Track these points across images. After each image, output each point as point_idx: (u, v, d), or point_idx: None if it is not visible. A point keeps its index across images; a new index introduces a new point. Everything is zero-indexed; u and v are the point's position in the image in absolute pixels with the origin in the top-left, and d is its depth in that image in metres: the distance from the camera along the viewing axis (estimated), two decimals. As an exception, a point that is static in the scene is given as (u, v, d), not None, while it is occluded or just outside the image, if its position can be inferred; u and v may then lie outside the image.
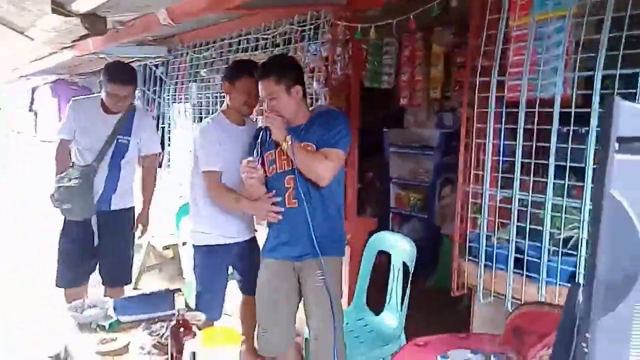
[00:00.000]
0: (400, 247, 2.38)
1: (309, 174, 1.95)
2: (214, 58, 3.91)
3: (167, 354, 1.90)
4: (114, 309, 2.35)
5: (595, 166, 1.74)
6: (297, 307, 2.15)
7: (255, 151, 1.99)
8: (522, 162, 1.97)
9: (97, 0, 2.06)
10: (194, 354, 1.67)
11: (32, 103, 7.29)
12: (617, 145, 0.75)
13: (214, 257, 2.39)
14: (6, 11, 2.69)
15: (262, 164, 2.05)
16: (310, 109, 2.21)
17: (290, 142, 1.92)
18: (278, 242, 2.08)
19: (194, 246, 2.45)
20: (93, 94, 5.82)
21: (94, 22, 2.30)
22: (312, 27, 2.96)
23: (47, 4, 2.25)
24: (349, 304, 2.57)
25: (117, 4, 2.12)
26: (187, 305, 2.57)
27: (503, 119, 2.02)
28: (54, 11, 2.25)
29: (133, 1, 2.12)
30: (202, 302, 2.39)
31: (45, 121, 6.87)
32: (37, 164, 6.93)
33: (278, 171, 2.03)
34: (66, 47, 3.92)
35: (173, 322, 1.95)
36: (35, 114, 7.22)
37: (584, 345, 0.78)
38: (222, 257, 2.41)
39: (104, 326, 2.25)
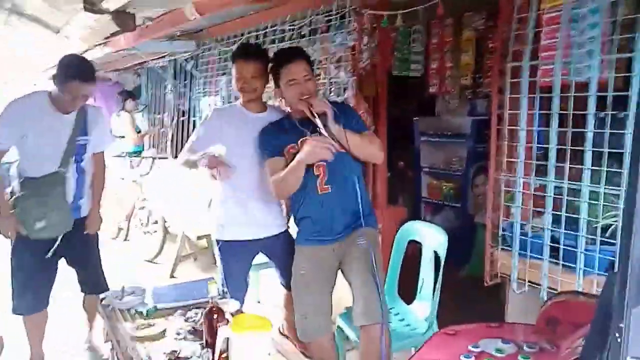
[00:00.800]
0: (431, 236, 2.35)
1: (365, 155, 2.03)
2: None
3: (202, 339, 1.95)
4: (152, 296, 2.44)
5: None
6: (333, 290, 2.17)
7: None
8: (557, 149, 1.92)
9: (127, -2, 2.11)
10: (227, 339, 1.71)
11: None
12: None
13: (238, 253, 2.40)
14: (39, 10, 2.79)
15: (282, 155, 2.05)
16: None
17: (342, 127, 1.93)
18: (314, 229, 2.10)
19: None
20: (126, 90, 6.00)
21: (123, 18, 2.36)
22: (338, 16, 2.95)
23: (79, 2, 2.33)
24: (379, 293, 2.56)
25: (145, 0, 2.17)
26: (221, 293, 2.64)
27: (537, 105, 1.96)
28: (85, 9, 2.32)
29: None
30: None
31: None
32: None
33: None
34: (99, 45, 4.05)
35: (207, 309, 2.01)
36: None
37: (617, 335, 0.77)
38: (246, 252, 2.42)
39: (141, 312, 2.34)
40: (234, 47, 3.93)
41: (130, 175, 5.05)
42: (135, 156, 5.17)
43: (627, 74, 1.69)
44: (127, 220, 5.00)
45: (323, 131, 1.90)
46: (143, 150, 5.59)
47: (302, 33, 3.19)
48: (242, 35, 3.84)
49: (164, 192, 4.83)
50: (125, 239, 5.08)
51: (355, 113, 2.12)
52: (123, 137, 5.34)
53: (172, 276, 4.05)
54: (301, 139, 1.99)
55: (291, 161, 1.99)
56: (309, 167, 2.03)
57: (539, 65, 1.94)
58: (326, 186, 2.03)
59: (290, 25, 3.29)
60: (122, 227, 5.11)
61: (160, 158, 5.16)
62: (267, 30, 3.50)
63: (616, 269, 1.69)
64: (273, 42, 3.49)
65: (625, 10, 1.71)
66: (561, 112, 1.88)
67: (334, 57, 3.03)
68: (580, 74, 1.80)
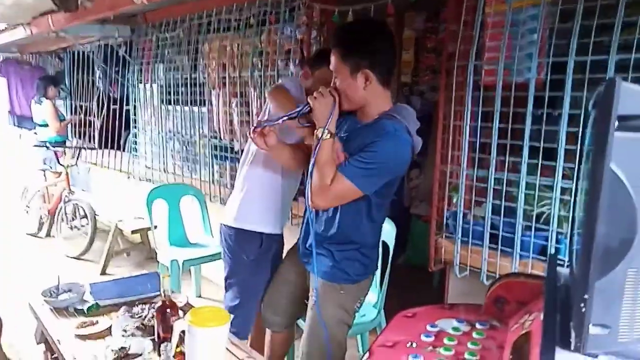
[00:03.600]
0: (379, 226, 2.45)
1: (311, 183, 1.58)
2: (182, 38, 3.82)
3: (152, 335, 1.89)
4: (91, 292, 2.31)
5: (566, 147, 1.86)
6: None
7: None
8: (497, 144, 2.07)
9: (71, -25, 1.96)
10: (183, 332, 1.67)
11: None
12: (616, 123, 0.82)
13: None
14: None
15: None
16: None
17: (327, 136, 1.51)
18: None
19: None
20: (48, 75, 5.56)
21: (64, -2, 2.19)
22: (287, 9, 2.95)
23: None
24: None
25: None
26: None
27: (480, 102, 2.11)
28: (20, -16, 2.13)
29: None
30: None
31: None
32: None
33: None
34: (21, 24, 3.71)
35: (159, 303, 1.95)
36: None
37: (582, 305, 0.86)
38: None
39: (82, 310, 2.21)
40: (173, 34, 3.80)
41: (53, 166, 4.70)
42: (58, 146, 4.81)
43: (561, 76, 1.86)
44: (50, 214, 4.65)
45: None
46: (67, 140, 5.22)
47: (250, 23, 3.15)
48: (184, 21, 3.71)
49: (93, 183, 4.56)
50: (47, 235, 4.72)
51: (373, 146, 1.53)
52: (45, 125, 4.95)
53: (103, 273, 3.84)
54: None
55: None
56: None
57: (482, 65, 2.08)
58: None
59: (236, 16, 3.23)
60: (44, 221, 4.74)
61: (87, 148, 4.85)
62: (212, 18, 3.42)
63: (549, 253, 1.89)
64: (217, 31, 3.42)
65: (560, 18, 1.88)
66: (502, 109, 2.03)
67: (282, 49, 3.02)
68: (520, 75, 1.97)
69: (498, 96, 2.04)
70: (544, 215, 1.97)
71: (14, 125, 6.12)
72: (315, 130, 1.54)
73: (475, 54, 2.10)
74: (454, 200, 2.26)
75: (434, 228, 2.34)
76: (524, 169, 1.98)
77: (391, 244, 2.36)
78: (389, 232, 2.39)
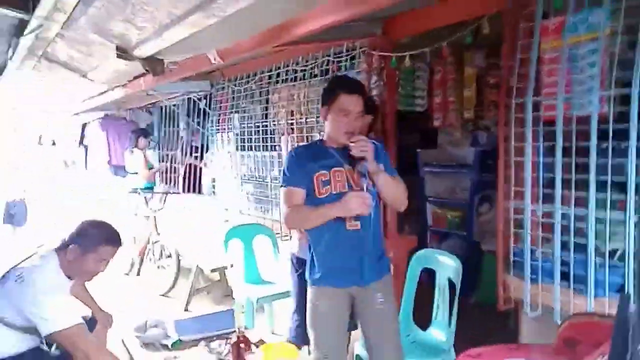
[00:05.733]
0: (445, 264, 2.45)
1: (394, 200, 2.00)
2: (254, 90, 4.14)
3: (228, 369, 2.03)
4: (175, 329, 2.51)
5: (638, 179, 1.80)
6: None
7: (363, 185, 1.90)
8: (562, 178, 2.04)
9: (158, 46, 2.28)
10: (257, 367, 1.79)
11: (82, 138, 7.76)
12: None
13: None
14: (71, 58, 2.97)
15: (303, 185, 1.96)
16: None
17: (383, 171, 1.91)
18: (332, 267, 1.99)
19: None
20: (139, 128, 6.19)
21: (153, 64, 2.52)
22: (348, 57, 3.13)
23: (111, 49, 2.50)
24: (395, 321, 2.63)
25: (175, 48, 2.34)
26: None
27: (541, 137, 2.10)
28: (118, 57, 2.49)
29: (189, 44, 2.33)
30: None
31: (95, 155, 7.29)
32: (88, 193, 7.35)
33: (333, 192, 1.92)
34: (119, 86, 4.24)
35: (234, 339, 2.09)
36: (86, 148, 7.67)
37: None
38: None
39: (166, 345, 2.41)
40: (247, 86, 4.14)
41: (143, 210, 5.17)
42: (147, 192, 5.29)
43: (625, 107, 1.82)
44: (140, 255, 5.08)
45: (364, 185, 1.86)
46: (155, 186, 5.73)
47: (314, 73, 3.37)
48: (255, 75, 4.04)
49: (177, 226, 4.93)
50: (137, 274, 5.14)
51: (388, 158, 2.05)
52: (136, 173, 5.49)
53: (186, 309, 4.10)
54: (334, 169, 1.95)
55: (318, 189, 1.93)
56: (336, 197, 1.91)
57: (541, 101, 2.09)
58: (355, 223, 1.93)
59: (302, 66, 3.47)
60: (134, 262, 5.17)
61: (172, 193, 5.28)
62: (280, 70, 3.69)
63: (626, 291, 1.79)
64: (285, 81, 3.68)
65: (620, 49, 1.86)
66: (564, 143, 2.01)
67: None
68: (581, 109, 1.95)
69: (559, 130, 2.02)
70: (619, 252, 1.88)
71: (113, 174, 6.82)
72: (375, 168, 1.90)
73: (534, 89, 2.11)
74: (521, 237, 2.23)
75: (501, 265, 2.30)
76: (592, 203, 1.93)
77: (457, 281, 2.35)
78: (454, 268, 2.38)
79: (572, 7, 1.97)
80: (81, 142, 7.76)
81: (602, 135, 1.88)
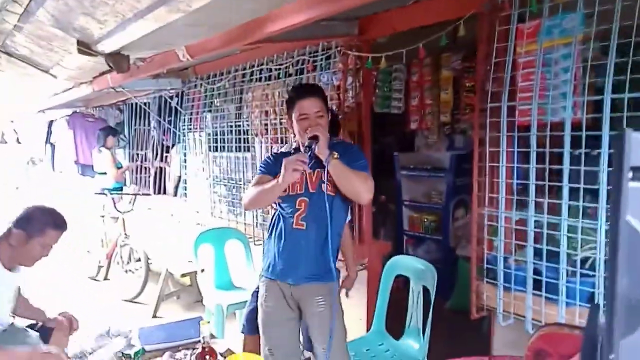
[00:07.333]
0: (419, 271, 2.41)
1: (350, 190, 1.94)
2: (228, 88, 4.04)
3: (193, 381, 1.93)
4: (139, 337, 2.40)
5: (609, 187, 1.78)
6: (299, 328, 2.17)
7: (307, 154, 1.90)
8: (535, 185, 2.01)
9: (122, 41, 2.16)
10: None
11: (48, 136, 7.49)
12: (630, 174, 0.80)
13: None
14: (31, 52, 2.82)
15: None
16: None
17: (337, 157, 1.89)
18: (275, 262, 2.07)
19: None
20: (108, 126, 6.00)
21: (118, 60, 2.40)
22: (324, 57, 3.07)
23: (73, 44, 2.37)
24: (368, 329, 2.58)
25: (141, 44, 2.23)
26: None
27: (515, 143, 2.07)
28: (79, 51, 2.36)
29: (155, 40, 2.22)
30: None
31: (62, 153, 7.05)
32: (53, 192, 7.10)
33: (290, 193, 2.02)
34: (85, 83, 4.07)
35: (199, 350, 2.00)
36: (53, 146, 7.41)
37: (608, 365, 0.81)
38: None
39: (129, 355, 2.30)
40: (220, 84, 4.03)
41: (111, 212, 5.00)
42: (116, 193, 5.13)
43: (598, 115, 1.80)
44: (107, 258, 4.91)
45: (307, 158, 1.85)
46: (124, 186, 5.56)
47: (289, 72, 3.29)
48: (229, 72, 3.93)
49: (146, 228, 4.79)
50: (105, 278, 4.97)
51: (360, 155, 2.07)
52: (104, 173, 5.31)
53: (155, 316, 3.97)
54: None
55: None
56: (293, 198, 2.01)
57: (516, 105, 2.06)
58: (302, 222, 2.00)
59: (276, 65, 3.39)
60: (102, 265, 5.00)
61: (142, 194, 5.13)
62: (254, 69, 3.60)
63: (596, 301, 1.78)
64: (260, 80, 3.59)
65: (593, 56, 1.84)
66: (539, 149, 1.98)
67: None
68: (555, 114, 1.92)
69: (534, 136, 1.99)
70: (589, 260, 1.86)
71: (80, 174, 6.60)
72: (329, 156, 1.90)
73: (509, 93, 2.08)
74: (495, 244, 2.20)
75: (474, 273, 2.27)
76: (564, 210, 1.91)
77: (432, 290, 2.30)
78: (429, 276, 2.34)
79: (547, 12, 1.95)
80: (47, 140, 7.48)
81: (577, 142, 1.86)
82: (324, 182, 1.95)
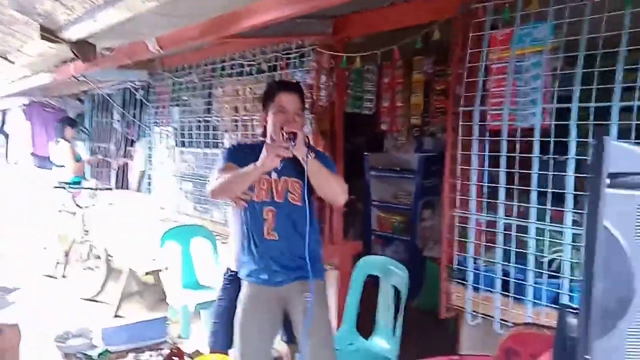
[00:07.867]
0: (390, 271, 2.42)
1: (325, 190, 1.89)
2: (196, 82, 3.95)
3: (158, 383, 1.88)
4: (102, 338, 2.31)
5: (574, 192, 1.85)
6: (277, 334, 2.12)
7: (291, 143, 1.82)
8: (505, 188, 2.06)
9: (90, 29, 2.07)
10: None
11: (2, 125, 7.13)
12: (607, 180, 0.82)
13: None
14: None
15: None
16: None
17: (313, 157, 1.82)
18: (255, 269, 2.01)
19: None
20: (67, 117, 5.76)
21: (83, 49, 2.30)
22: (298, 55, 3.04)
23: (35, 29, 2.25)
24: (338, 328, 2.58)
25: (109, 32, 2.14)
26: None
27: (486, 147, 2.11)
28: (42, 37, 2.25)
29: (124, 29, 2.14)
30: None
31: (17, 144, 6.73)
32: (7, 185, 6.77)
33: (255, 200, 1.95)
34: (44, 71, 3.89)
35: (165, 350, 1.94)
36: (7, 137, 7.05)
37: (583, 365, 0.84)
38: None
39: (91, 356, 2.21)
40: (188, 78, 3.94)
41: (69, 206, 4.79)
42: (75, 187, 4.92)
43: (566, 122, 1.87)
44: (66, 255, 4.71)
45: (292, 150, 1.78)
46: (84, 180, 5.35)
47: (261, 68, 3.25)
48: (198, 66, 3.85)
49: (107, 224, 4.62)
50: (62, 276, 4.77)
51: (330, 162, 2.05)
52: (63, 166, 5.09)
53: (116, 315, 3.84)
54: (262, 176, 1.92)
55: None
56: (258, 206, 1.96)
57: (487, 110, 2.10)
58: (273, 233, 1.96)
59: (249, 60, 3.34)
60: (60, 262, 4.79)
61: (102, 189, 4.95)
62: (225, 64, 3.54)
63: (561, 302, 1.84)
64: (230, 75, 3.53)
65: (562, 65, 1.91)
66: (509, 154, 2.03)
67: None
68: (525, 120, 1.98)
69: (504, 141, 2.04)
70: (555, 262, 1.93)
71: (36, 166, 6.30)
72: (306, 155, 1.80)
73: (482, 98, 2.13)
74: (465, 245, 2.23)
75: (444, 273, 2.30)
76: (533, 214, 1.96)
77: (403, 290, 2.32)
78: (400, 276, 2.36)
79: (520, 20, 1.99)
80: (1, 130, 7.11)
81: (546, 148, 1.92)
82: (289, 192, 1.94)
